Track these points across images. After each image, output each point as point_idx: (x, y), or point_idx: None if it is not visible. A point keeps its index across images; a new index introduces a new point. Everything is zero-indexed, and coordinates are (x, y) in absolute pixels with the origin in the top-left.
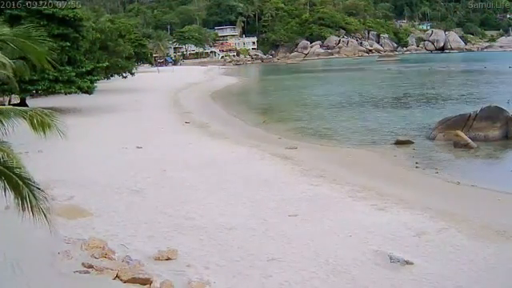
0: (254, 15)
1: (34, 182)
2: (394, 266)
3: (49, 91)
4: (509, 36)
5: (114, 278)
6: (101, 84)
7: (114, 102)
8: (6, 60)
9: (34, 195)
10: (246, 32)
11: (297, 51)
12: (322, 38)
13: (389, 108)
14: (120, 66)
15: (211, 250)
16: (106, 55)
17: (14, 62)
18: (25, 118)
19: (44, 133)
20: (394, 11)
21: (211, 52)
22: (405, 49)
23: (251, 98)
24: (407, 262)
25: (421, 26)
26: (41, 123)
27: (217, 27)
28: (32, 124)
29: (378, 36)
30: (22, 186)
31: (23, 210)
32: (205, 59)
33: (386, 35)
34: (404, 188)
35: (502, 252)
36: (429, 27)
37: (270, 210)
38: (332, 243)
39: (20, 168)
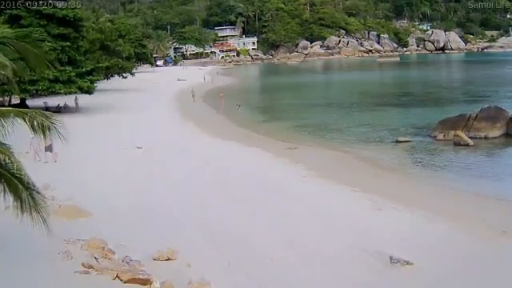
0: (254, 15)
1: (33, 186)
2: (395, 267)
3: (49, 91)
4: (509, 36)
5: (114, 279)
6: (100, 84)
7: (115, 102)
8: (5, 61)
9: (33, 198)
10: (246, 32)
11: (297, 51)
12: (322, 39)
13: (389, 107)
14: (120, 67)
15: (212, 250)
16: (106, 55)
17: (13, 63)
18: (25, 120)
19: (44, 135)
20: (394, 11)
21: (211, 52)
22: (405, 49)
23: (251, 98)
24: (407, 263)
25: (421, 26)
26: (41, 125)
27: (217, 27)
28: (32, 126)
29: (378, 36)
30: (21, 189)
31: (22, 212)
32: (205, 59)
33: (386, 35)
34: (404, 188)
35: (502, 252)
36: (429, 27)
37: (272, 212)
38: (332, 243)
39: (20, 171)
